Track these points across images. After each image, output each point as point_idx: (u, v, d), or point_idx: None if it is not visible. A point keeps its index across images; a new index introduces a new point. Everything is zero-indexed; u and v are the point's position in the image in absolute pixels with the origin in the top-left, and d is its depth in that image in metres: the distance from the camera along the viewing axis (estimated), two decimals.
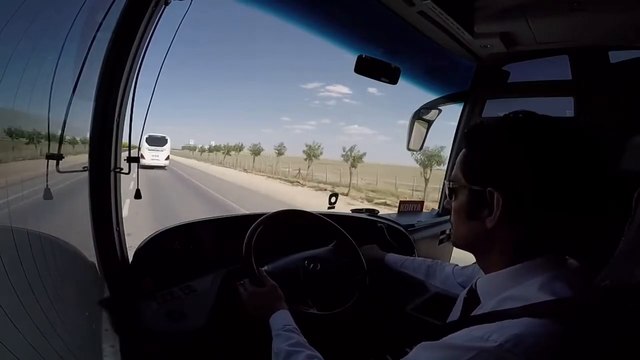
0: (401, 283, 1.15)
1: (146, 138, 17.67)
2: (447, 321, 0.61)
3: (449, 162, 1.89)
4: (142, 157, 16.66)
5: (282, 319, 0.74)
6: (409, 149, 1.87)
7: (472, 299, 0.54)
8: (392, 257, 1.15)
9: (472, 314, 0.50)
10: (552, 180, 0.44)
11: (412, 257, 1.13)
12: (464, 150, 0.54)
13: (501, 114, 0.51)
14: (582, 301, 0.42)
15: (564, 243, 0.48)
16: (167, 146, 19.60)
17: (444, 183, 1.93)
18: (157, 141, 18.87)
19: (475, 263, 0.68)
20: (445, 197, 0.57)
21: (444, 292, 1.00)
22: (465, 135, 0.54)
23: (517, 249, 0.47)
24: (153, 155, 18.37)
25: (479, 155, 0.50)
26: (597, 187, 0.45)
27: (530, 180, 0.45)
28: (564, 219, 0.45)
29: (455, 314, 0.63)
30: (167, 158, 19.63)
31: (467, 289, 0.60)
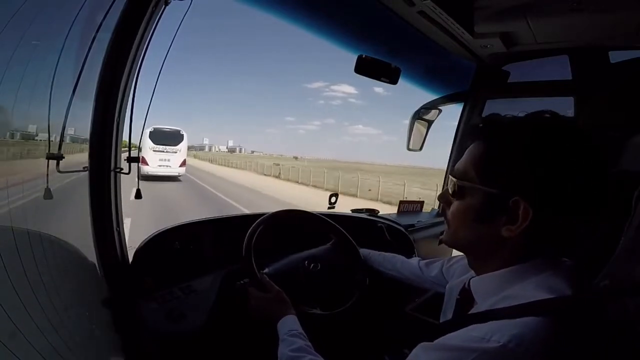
0: (401, 283, 1.15)
1: (150, 132, 10.95)
2: (440, 322, 0.61)
3: (449, 163, 1.88)
4: (144, 162, 10.57)
5: (288, 324, 0.74)
6: (409, 149, 1.87)
7: (466, 299, 0.54)
8: (361, 251, 1.09)
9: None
10: (563, 183, 0.43)
11: (378, 252, 1.09)
12: (478, 144, 0.49)
13: (501, 114, 0.50)
14: (580, 299, 0.42)
15: (560, 245, 0.47)
16: (183, 145, 12.23)
17: (445, 181, 1.94)
18: (167, 138, 11.69)
19: (441, 258, 0.67)
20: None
21: (442, 291, 1.00)
22: (484, 129, 0.50)
23: (517, 252, 0.47)
24: (161, 160, 11.42)
25: (503, 157, 0.45)
26: (602, 189, 0.44)
27: (553, 188, 0.42)
28: (566, 221, 0.44)
29: (446, 314, 0.62)
30: (183, 164, 12.22)
31: (460, 289, 0.59)
